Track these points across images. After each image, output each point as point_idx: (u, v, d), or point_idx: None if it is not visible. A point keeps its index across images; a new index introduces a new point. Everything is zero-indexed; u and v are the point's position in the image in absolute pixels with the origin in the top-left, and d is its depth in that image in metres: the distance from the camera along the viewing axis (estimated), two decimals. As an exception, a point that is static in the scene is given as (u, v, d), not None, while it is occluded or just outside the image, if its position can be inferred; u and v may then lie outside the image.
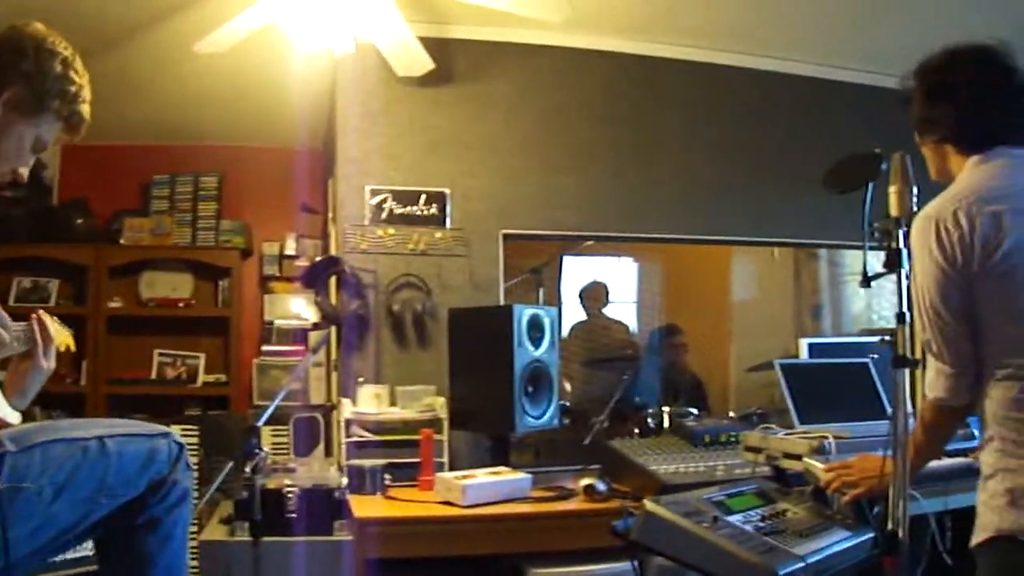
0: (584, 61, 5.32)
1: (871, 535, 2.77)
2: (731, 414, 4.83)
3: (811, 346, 5.20)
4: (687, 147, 5.48)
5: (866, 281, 2.60)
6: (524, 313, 4.28)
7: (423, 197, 4.91)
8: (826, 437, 3.10)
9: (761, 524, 2.71)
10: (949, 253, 2.36)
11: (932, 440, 2.58)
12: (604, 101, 5.36)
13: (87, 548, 2.76)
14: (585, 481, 3.80)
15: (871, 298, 6.34)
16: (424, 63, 4.74)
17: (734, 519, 2.68)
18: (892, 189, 2.55)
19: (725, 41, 5.45)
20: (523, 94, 5.22)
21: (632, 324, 7.24)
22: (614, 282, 6.93)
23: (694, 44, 5.45)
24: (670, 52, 5.46)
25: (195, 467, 5.77)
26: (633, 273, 7.30)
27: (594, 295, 6.89)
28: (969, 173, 2.50)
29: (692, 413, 4.69)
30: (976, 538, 2.43)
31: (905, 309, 2.42)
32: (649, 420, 4.64)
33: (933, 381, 2.45)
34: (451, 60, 5.05)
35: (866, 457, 2.79)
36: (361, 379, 4.61)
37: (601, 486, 3.75)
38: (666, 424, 4.59)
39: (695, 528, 2.55)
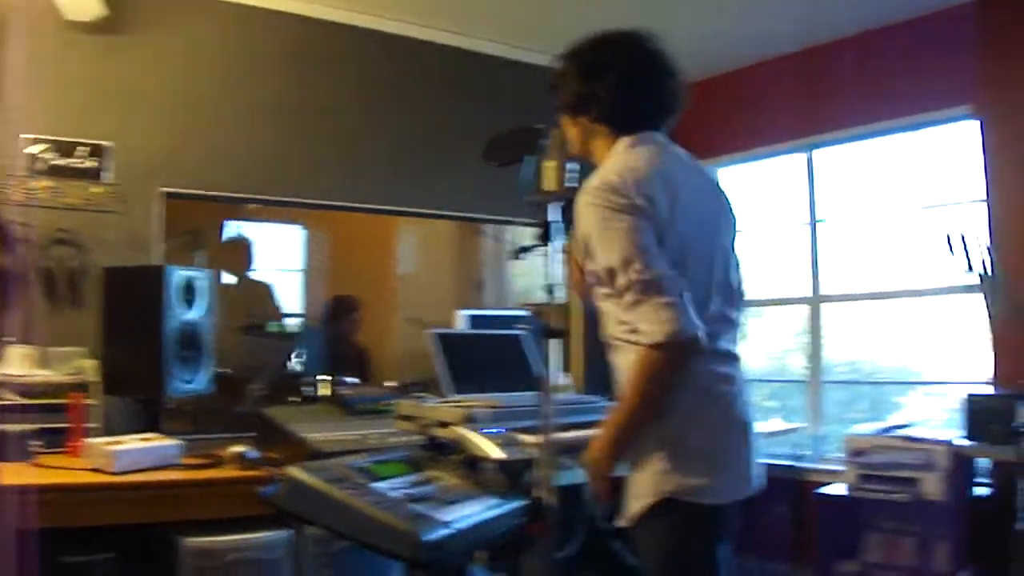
0: (258, 20, 5.25)
1: (523, 502, 2.78)
2: (389, 383, 4.87)
3: (470, 318, 5.33)
4: (357, 115, 5.52)
5: (518, 253, 2.66)
6: (178, 275, 4.18)
7: (82, 149, 4.70)
8: (477, 406, 3.16)
9: (409, 491, 2.72)
10: (638, 207, 2.40)
11: (662, 389, 2.40)
12: (277, 64, 5.33)
13: None
14: (236, 448, 3.75)
15: (536, 274, 6.53)
16: (94, 8, 4.55)
17: (380, 486, 2.69)
18: (548, 164, 2.60)
19: (401, 11, 5.50)
20: (195, 50, 5.10)
21: (297, 292, 7.17)
22: (281, 249, 6.85)
23: (370, 12, 5.49)
24: (345, 18, 5.49)
25: None
26: (300, 241, 7.24)
27: (240, 255, 6.71)
28: (626, 154, 2.57)
29: (349, 382, 4.69)
30: (635, 505, 2.49)
31: (554, 282, 2.48)
32: (308, 388, 4.62)
33: (656, 319, 2.29)
34: (124, 8, 4.87)
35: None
36: (10, 339, 4.38)
37: (251, 453, 3.71)
38: (326, 393, 4.58)
39: (339, 494, 2.55)
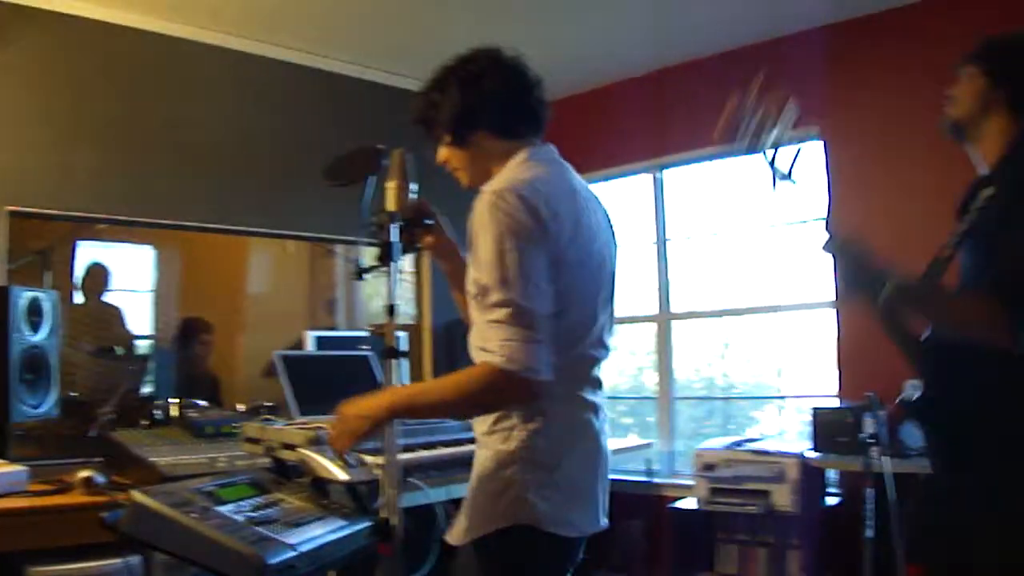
0: (109, 35, 5.17)
1: (369, 523, 2.76)
2: (239, 407, 4.82)
3: (319, 339, 5.31)
4: (209, 134, 5.48)
5: (359, 274, 2.65)
6: (22, 296, 4.08)
7: (-84, 167, 4.56)
8: (322, 427, 3.15)
9: (253, 514, 2.69)
10: (542, 223, 2.29)
11: (471, 408, 2.43)
12: (127, 79, 5.25)
13: None
14: (83, 473, 3.67)
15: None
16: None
17: (225, 509, 2.65)
18: (390, 184, 2.61)
19: (251, 29, 5.50)
20: (42, 64, 4.99)
21: (148, 314, 7.04)
22: (130, 270, 6.72)
23: (219, 30, 5.48)
24: (195, 35, 5.46)
25: None
26: (150, 261, 7.12)
27: (93, 278, 6.60)
28: (527, 167, 2.48)
29: (199, 405, 4.63)
30: (480, 529, 2.38)
31: (394, 302, 2.47)
32: (157, 411, 4.55)
33: (509, 347, 2.19)
34: (-34, 20, 4.73)
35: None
36: None
37: (99, 478, 3.65)
38: (175, 416, 4.51)
39: (182, 518, 2.50)
